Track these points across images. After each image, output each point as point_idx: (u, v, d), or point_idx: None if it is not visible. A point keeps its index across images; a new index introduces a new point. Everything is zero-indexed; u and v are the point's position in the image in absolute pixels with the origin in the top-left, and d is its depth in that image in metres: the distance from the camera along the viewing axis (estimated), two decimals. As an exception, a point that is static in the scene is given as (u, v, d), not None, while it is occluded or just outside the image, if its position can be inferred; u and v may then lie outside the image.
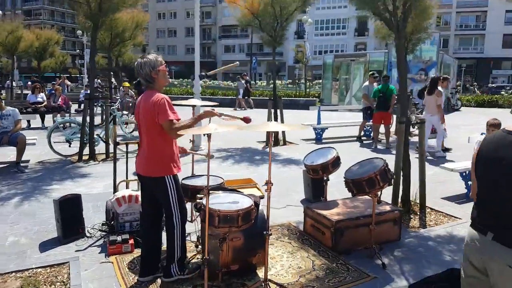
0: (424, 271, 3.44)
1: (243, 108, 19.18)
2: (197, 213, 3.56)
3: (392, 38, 11.73)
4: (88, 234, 4.27)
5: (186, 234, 3.38)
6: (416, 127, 5.04)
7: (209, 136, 2.76)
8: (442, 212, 4.94)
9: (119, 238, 3.91)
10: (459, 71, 32.95)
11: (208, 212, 2.84)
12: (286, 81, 37.55)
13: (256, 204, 3.15)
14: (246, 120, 3.43)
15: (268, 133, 3.06)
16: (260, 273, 3.46)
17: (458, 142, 9.58)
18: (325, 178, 4.53)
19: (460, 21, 47.56)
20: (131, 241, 3.94)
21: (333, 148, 4.65)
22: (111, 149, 8.27)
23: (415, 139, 5.17)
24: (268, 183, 2.88)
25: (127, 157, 4.66)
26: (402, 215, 4.32)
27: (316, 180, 5.23)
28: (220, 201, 3.08)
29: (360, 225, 3.88)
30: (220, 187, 3.61)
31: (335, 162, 4.43)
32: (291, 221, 4.63)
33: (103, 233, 4.33)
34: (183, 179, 3.68)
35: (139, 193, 4.32)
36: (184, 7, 63.09)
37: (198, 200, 3.39)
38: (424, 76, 17.06)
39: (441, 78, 9.16)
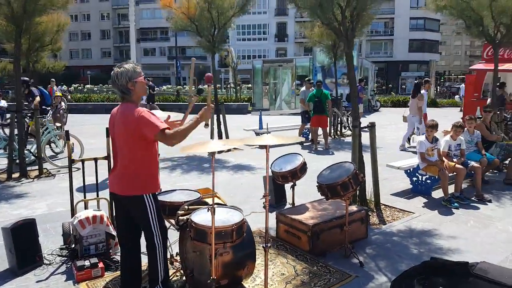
0: (398, 265, 3.69)
1: None
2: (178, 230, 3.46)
3: (322, 45, 12.40)
4: (46, 262, 3.91)
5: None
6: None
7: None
8: (396, 208, 5.32)
9: (87, 263, 3.64)
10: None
11: (213, 229, 2.77)
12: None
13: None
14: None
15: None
16: (246, 284, 3.45)
17: (386, 141, 10.34)
18: (292, 183, 4.65)
19: (371, 27, 51.44)
20: (101, 265, 3.70)
21: (299, 154, 4.79)
22: (45, 165, 7.63)
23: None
24: (266, 196, 2.90)
25: (83, 175, 4.35)
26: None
27: (278, 185, 5.34)
28: (209, 217, 3.00)
29: (333, 227, 4.05)
30: (201, 202, 3.54)
31: (303, 168, 4.56)
32: (260, 228, 4.66)
33: (64, 258, 4.00)
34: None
35: (103, 212, 4.06)
36: (98, 8, 59.98)
37: (180, 217, 3.29)
38: (346, 80, 18.12)
39: (423, 81, 9.37)
